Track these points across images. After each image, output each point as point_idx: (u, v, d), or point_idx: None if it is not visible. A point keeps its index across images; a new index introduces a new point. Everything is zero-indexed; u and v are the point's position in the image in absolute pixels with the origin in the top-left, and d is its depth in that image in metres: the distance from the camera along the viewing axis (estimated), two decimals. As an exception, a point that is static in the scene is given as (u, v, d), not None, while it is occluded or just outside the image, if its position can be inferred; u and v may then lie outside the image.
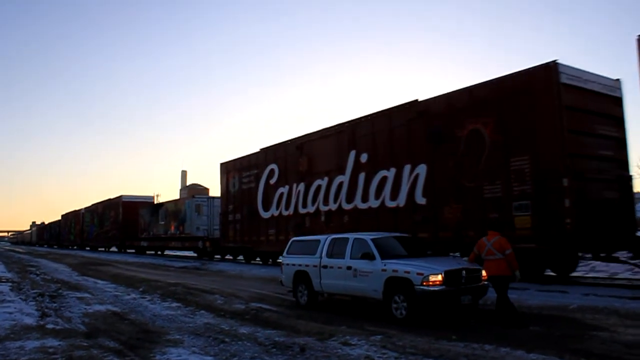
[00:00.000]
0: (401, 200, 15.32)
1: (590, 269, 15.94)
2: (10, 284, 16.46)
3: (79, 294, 13.86)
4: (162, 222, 37.43)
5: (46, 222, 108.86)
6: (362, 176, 16.86)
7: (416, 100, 15.26)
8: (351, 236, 10.74)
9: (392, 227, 14.54)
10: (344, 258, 10.30)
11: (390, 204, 15.71)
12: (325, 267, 10.73)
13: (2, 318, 9.48)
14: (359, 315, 9.91)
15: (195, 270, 23.35)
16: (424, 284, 8.61)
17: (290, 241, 12.47)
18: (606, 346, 6.93)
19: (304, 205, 19.53)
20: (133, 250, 45.53)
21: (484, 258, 8.92)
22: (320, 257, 10.90)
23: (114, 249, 51.53)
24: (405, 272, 8.93)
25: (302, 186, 19.73)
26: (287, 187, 20.65)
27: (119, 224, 46.22)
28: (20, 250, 68.19)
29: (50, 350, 7.09)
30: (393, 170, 15.68)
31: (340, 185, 17.75)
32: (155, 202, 45.58)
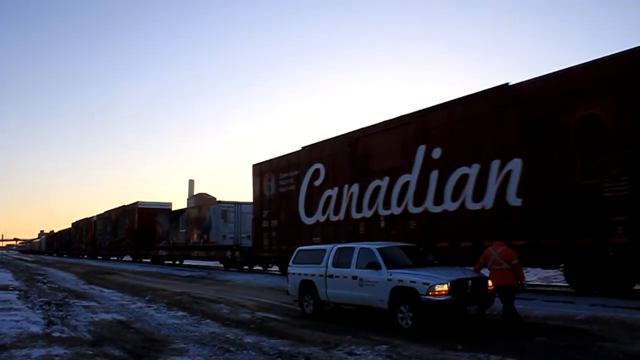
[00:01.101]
0: (487, 202, 13.09)
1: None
2: (17, 292, 16.53)
3: (85, 303, 13.90)
4: (183, 230, 34.89)
5: (53, 231, 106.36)
6: (434, 174, 14.53)
7: (506, 84, 13.11)
8: (357, 245, 10.74)
9: (476, 233, 13.02)
10: (349, 267, 10.30)
11: (473, 206, 13.44)
12: (331, 276, 10.72)
13: (9, 326, 9.51)
14: (364, 324, 9.88)
15: (202, 280, 23.37)
16: (430, 293, 8.58)
17: (296, 251, 12.48)
18: (613, 357, 6.88)
19: (359, 210, 17.19)
20: (149, 260, 43.48)
21: (491, 268, 8.89)
22: (326, 267, 10.90)
23: (127, 257, 49.14)
24: (411, 281, 8.91)
25: (355, 188, 17.37)
26: (336, 189, 18.29)
27: (134, 232, 43.88)
28: (28, 259, 68.50)
29: (56, 358, 7.11)
30: (476, 167, 13.42)
31: (406, 185, 15.40)
32: (174, 209, 43.01)
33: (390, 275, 9.30)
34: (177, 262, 39.51)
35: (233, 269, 28.48)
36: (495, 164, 12.99)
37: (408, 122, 15.62)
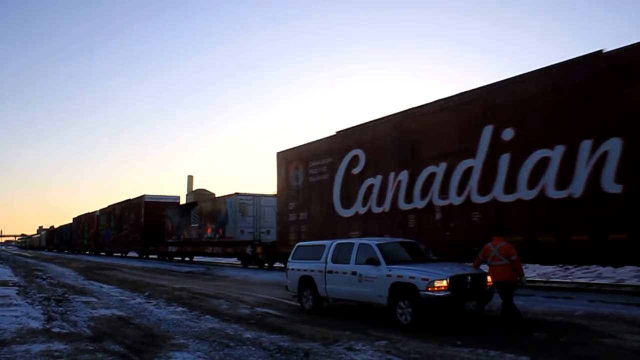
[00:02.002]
0: (575, 189, 11.28)
1: (596, 275, 15.86)
2: (17, 288, 16.53)
3: (84, 298, 13.91)
4: (196, 225, 32.63)
5: (53, 227, 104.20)
6: (504, 159, 12.78)
7: (599, 51, 11.36)
8: (356, 241, 10.75)
9: (560, 225, 11.45)
10: (349, 263, 10.30)
11: (556, 194, 11.67)
12: (330, 272, 10.73)
13: (8, 322, 9.52)
14: (363, 320, 9.90)
15: (201, 275, 23.41)
16: (429, 289, 8.59)
17: (296, 246, 12.49)
18: (612, 352, 6.90)
19: (408, 200, 15.31)
20: (156, 256, 41.41)
21: (490, 264, 8.90)
22: (326, 262, 10.91)
23: (132, 253, 46.96)
24: (410, 277, 8.92)
25: (404, 175, 15.50)
26: (379, 177, 16.39)
27: (140, 226, 41.56)
28: (28, 254, 68.49)
29: (56, 354, 7.12)
30: (560, 149, 11.64)
31: (468, 172, 13.64)
32: (185, 202, 39.81)
33: (390, 271, 9.31)
34: (187, 259, 37.43)
35: (253, 266, 26.57)
36: (586, 145, 11.20)
37: (469, 100, 13.83)
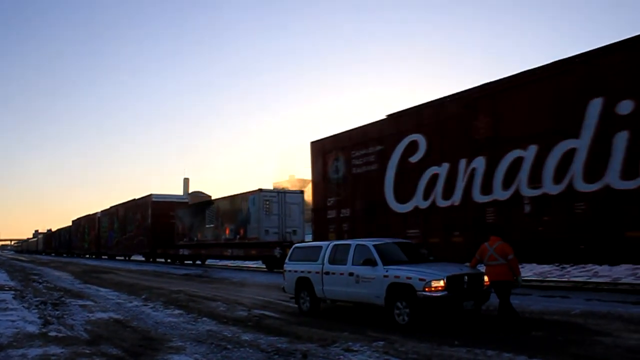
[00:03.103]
0: None
1: (592, 274, 15.91)
2: (13, 292, 16.47)
3: (81, 302, 13.87)
4: (211, 225, 30.25)
5: (51, 230, 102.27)
6: (621, 137, 10.77)
7: None
8: (353, 242, 10.75)
9: None
10: (346, 264, 10.30)
11: None
12: (327, 273, 10.73)
13: (5, 326, 9.49)
14: (361, 321, 9.90)
15: (198, 278, 23.32)
16: (426, 289, 8.60)
17: (292, 248, 12.48)
18: (609, 351, 6.91)
19: (486, 191, 13.21)
20: (164, 260, 38.83)
21: (486, 263, 8.91)
22: (323, 264, 10.91)
23: (137, 257, 44.12)
24: (407, 278, 8.92)
25: (479, 162, 13.43)
26: (445, 165, 14.33)
27: (147, 228, 38.98)
28: (24, 258, 68.22)
29: (53, 358, 7.10)
30: None
31: (569, 155, 11.63)
32: (199, 201, 37.94)
33: (387, 271, 9.31)
34: (199, 262, 34.54)
35: (279, 270, 25.13)
36: None
37: (568, 69, 11.95)
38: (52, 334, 8.87)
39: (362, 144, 17.34)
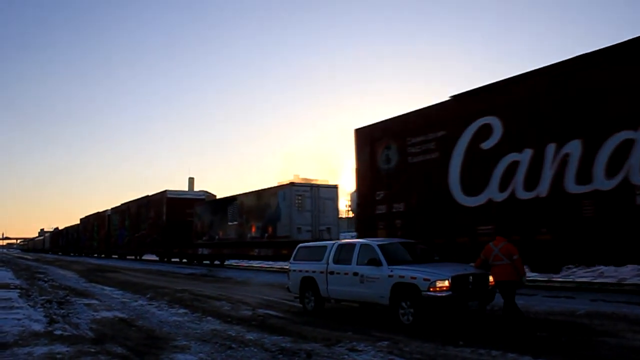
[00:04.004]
0: None
1: (598, 274, 15.85)
2: (18, 290, 16.55)
3: (86, 301, 13.93)
4: (235, 223, 28.24)
5: (58, 228, 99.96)
6: None
7: None
8: (358, 242, 10.75)
9: None
10: (350, 264, 10.31)
11: None
12: (332, 273, 10.74)
13: (10, 324, 9.54)
14: (365, 321, 9.89)
15: (203, 277, 23.36)
16: (431, 289, 8.60)
17: (297, 247, 12.49)
18: (614, 352, 6.89)
19: (583, 180, 11.41)
20: (179, 260, 36.90)
21: (492, 264, 8.89)
22: (327, 263, 10.91)
23: (148, 256, 42.41)
24: (412, 277, 8.92)
25: (574, 146, 11.60)
26: (528, 151, 12.50)
27: (161, 226, 36.88)
28: (29, 257, 68.50)
29: (58, 356, 7.13)
30: None
31: None
32: (221, 197, 34.89)
33: (391, 271, 9.31)
34: (217, 262, 32.75)
35: None
36: None
37: None
38: (58, 332, 8.91)
39: (419, 130, 15.37)
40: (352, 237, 19.49)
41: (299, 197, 23.37)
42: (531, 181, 12.36)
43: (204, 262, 33.40)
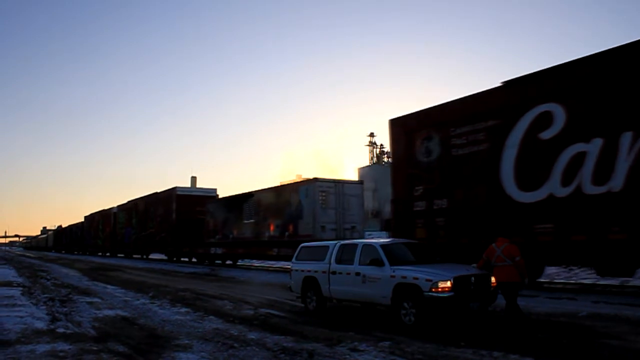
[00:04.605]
0: None
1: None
2: (21, 288, 16.59)
3: (89, 299, 13.95)
4: (251, 221, 26.97)
5: (61, 226, 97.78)
6: None
7: None
8: (360, 242, 10.76)
9: None
10: (352, 264, 10.31)
11: None
12: (334, 273, 10.74)
13: (13, 322, 9.56)
14: (367, 321, 9.89)
15: (205, 276, 23.39)
16: (433, 290, 8.59)
17: (299, 247, 12.49)
18: (616, 354, 6.88)
19: None
20: (187, 259, 35.67)
21: (494, 265, 8.90)
22: (329, 263, 10.92)
23: (155, 255, 41.54)
24: (414, 278, 8.92)
25: None
26: (597, 141, 11.35)
27: (170, 224, 35.52)
28: (32, 255, 68.62)
29: (61, 354, 7.15)
30: None
31: None
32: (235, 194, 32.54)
33: (393, 272, 9.31)
34: (229, 262, 31.43)
35: None
36: None
37: None
38: (60, 330, 8.93)
39: (466, 119, 14.20)
40: (380, 237, 18.43)
41: (323, 194, 22.04)
42: (602, 174, 11.21)
43: (216, 261, 32.21)
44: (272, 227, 25.07)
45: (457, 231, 13.89)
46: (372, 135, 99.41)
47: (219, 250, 30.52)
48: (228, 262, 31.56)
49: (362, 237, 21.36)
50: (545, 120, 12.43)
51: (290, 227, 23.47)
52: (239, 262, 32.07)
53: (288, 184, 25.68)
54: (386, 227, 20.08)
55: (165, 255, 38.82)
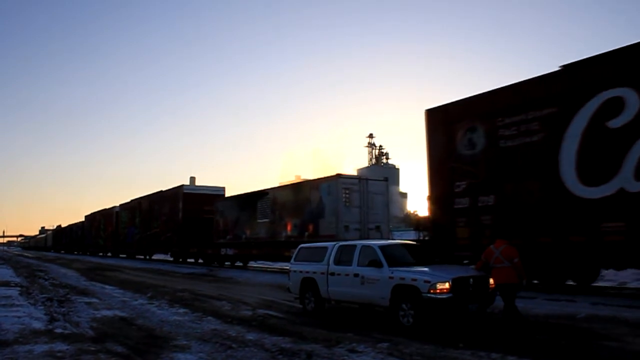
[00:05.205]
0: None
1: (598, 278, 15.84)
2: (19, 288, 16.57)
3: (87, 299, 13.94)
4: (265, 220, 25.60)
5: (60, 226, 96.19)
6: None
7: None
8: (358, 243, 10.76)
9: None
10: (351, 265, 10.31)
11: None
12: (332, 274, 10.74)
13: (11, 322, 9.54)
14: (365, 322, 9.90)
15: (203, 277, 23.39)
16: (431, 291, 8.59)
17: (298, 248, 12.49)
18: (615, 356, 6.89)
19: None
20: (193, 260, 34.33)
21: (492, 266, 8.91)
22: (328, 264, 10.92)
23: (158, 255, 40.46)
24: (413, 279, 8.92)
25: None
26: None
27: (176, 224, 34.20)
28: (30, 255, 68.52)
29: (59, 354, 7.13)
30: None
31: None
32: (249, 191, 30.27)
33: (392, 273, 9.31)
34: (239, 264, 29.99)
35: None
36: None
37: None
38: (58, 330, 8.92)
39: (516, 108, 13.14)
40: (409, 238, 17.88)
41: (346, 191, 20.65)
42: None
43: (225, 263, 30.91)
44: (289, 227, 23.70)
45: (507, 230, 12.20)
46: (371, 136, 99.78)
47: (230, 251, 28.98)
48: (238, 263, 30.35)
49: (390, 238, 20.60)
50: (614, 107, 11.27)
51: (310, 227, 22.05)
52: (250, 264, 30.78)
53: (308, 181, 24.19)
54: (416, 227, 19.34)
55: (171, 255, 37.59)
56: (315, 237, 20.54)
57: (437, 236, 14.93)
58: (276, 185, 28.40)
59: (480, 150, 14.04)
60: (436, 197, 15.43)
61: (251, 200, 27.15)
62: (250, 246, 26.91)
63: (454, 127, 14.76)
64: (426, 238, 17.58)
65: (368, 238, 19.55)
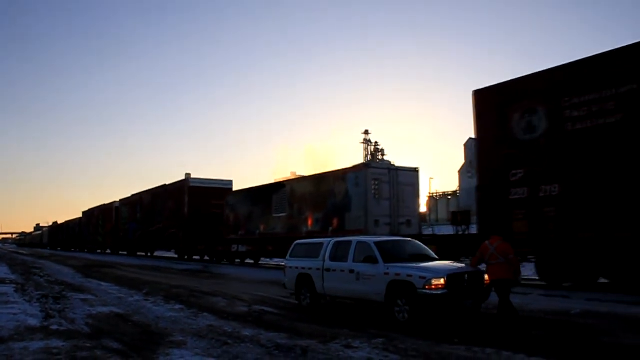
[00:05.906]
0: None
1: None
2: (14, 285, 16.53)
3: (82, 296, 13.92)
4: (282, 214, 23.99)
5: (57, 222, 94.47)
6: None
7: None
8: (354, 239, 10.78)
9: None
10: (347, 261, 10.34)
11: None
12: (328, 270, 10.76)
13: (6, 319, 9.53)
14: (361, 318, 9.92)
15: (199, 273, 23.38)
16: (427, 287, 8.63)
17: (294, 244, 12.50)
18: (609, 351, 6.93)
19: None
20: (198, 257, 32.77)
21: (487, 262, 8.93)
22: (324, 261, 10.94)
23: (160, 252, 39.34)
24: (408, 275, 8.95)
25: None
26: None
27: (182, 219, 32.57)
28: (25, 252, 68.31)
29: (54, 351, 7.13)
30: None
31: None
32: (265, 183, 28.69)
33: (387, 269, 9.34)
34: (252, 261, 28.61)
35: None
36: None
37: None
38: (54, 327, 8.91)
39: (587, 86, 11.86)
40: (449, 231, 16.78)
41: (376, 182, 18.97)
42: None
43: (236, 260, 29.29)
44: (310, 222, 22.02)
45: (575, 223, 11.28)
46: (366, 132, 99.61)
47: (243, 248, 27.47)
48: (248, 260, 29.02)
49: (421, 233, 19.28)
50: None
51: (335, 221, 20.43)
52: (262, 261, 29.49)
53: (332, 171, 22.44)
54: (453, 220, 17.71)
55: (176, 252, 35.91)
56: (341, 232, 19.12)
57: (487, 230, 12.67)
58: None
59: (541, 134, 12.85)
60: (487, 186, 14.15)
61: (266, 194, 25.63)
62: (265, 242, 25.46)
63: (509, 109, 13.56)
64: (466, 233, 16.63)
65: (399, 234, 18.15)
